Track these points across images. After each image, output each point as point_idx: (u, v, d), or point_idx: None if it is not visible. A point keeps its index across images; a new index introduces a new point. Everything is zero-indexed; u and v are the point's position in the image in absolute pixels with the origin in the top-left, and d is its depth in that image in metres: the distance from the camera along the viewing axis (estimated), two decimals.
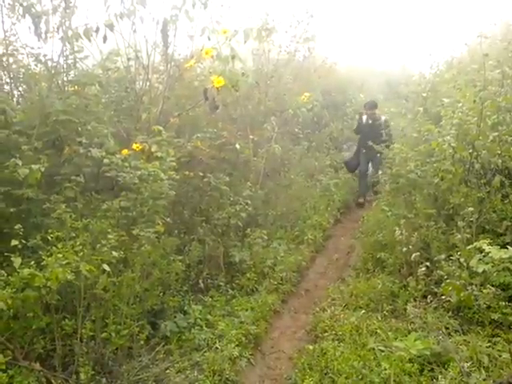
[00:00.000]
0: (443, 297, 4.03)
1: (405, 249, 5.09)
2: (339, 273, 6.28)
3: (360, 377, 3.59)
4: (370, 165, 9.32)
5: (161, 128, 4.83)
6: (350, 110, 12.53)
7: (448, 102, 6.39)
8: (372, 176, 8.99)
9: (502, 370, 3.33)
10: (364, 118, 9.26)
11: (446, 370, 3.51)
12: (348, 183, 9.64)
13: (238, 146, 6.17)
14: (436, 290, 4.37)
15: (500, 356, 3.50)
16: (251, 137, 6.85)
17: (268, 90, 8.01)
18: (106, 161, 4.12)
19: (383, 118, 9.10)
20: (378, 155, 7.87)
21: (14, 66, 5.10)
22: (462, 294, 3.77)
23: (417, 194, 6.04)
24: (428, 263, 4.47)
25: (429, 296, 4.36)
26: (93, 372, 3.42)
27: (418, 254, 4.72)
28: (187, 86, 6.42)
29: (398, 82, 14.33)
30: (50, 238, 3.48)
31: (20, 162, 3.81)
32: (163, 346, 4.09)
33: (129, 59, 5.68)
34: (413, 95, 9.96)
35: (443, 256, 4.54)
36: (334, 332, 4.47)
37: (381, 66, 18.19)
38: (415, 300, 4.56)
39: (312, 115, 9.60)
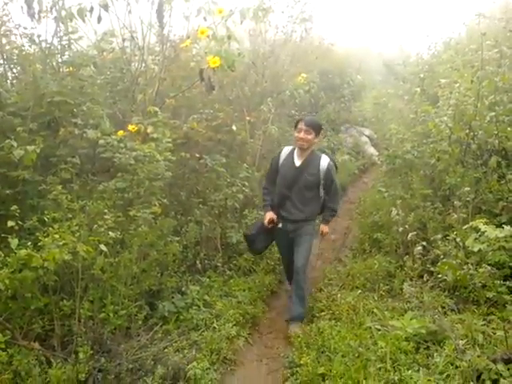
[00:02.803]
0: (439, 276, 4.05)
1: (401, 229, 5.11)
2: (336, 254, 6.32)
3: (356, 355, 3.62)
4: (295, 253, 4.71)
5: (156, 109, 4.79)
6: (348, 91, 12.47)
7: (445, 82, 6.36)
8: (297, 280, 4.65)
9: (496, 347, 3.36)
10: (287, 152, 4.75)
11: (441, 347, 3.55)
12: (345, 165, 9.62)
13: (234, 127, 6.14)
14: (432, 269, 4.39)
15: (494, 334, 3.53)
16: (248, 118, 6.81)
17: (264, 71, 7.94)
18: (101, 142, 4.09)
19: (327, 160, 4.62)
20: (308, 237, 4.65)
21: (7, 47, 5.03)
22: (457, 273, 3.79)
23: (413, 174, 6.06)
24: (424, 243, 4.49)
25: (425, 275, 4.38)
26: (91, 351, 3.43)
27: (415, 233, 4.74)
28: (183, 66, 6.34)
29: (396, 63, 14.24)
30: (46, 219, 3.48)
31: (15, 144, 3.78)
32: (161, 326, 4.12)
33: (124, 40, 5.60)
34: (410, 76, 9.91)
35: (439, 236, 4.56)
36: (330, 311, 4.52)
37: (378, 47, 18.07)
38: (411, 280, 4.60)
39: (309, 97, 9.53)
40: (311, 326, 4.30)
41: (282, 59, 8.77)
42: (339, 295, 4.79)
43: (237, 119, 6.52)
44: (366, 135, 11.98)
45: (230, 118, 6.20)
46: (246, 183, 5.88)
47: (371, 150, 11.37)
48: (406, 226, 5.04)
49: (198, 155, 5.39)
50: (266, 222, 4.70)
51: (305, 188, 4.59)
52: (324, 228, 4.88)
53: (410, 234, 4.69)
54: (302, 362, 3.70)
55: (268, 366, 4.06)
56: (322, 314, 4.51)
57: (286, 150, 4.75)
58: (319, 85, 10.52)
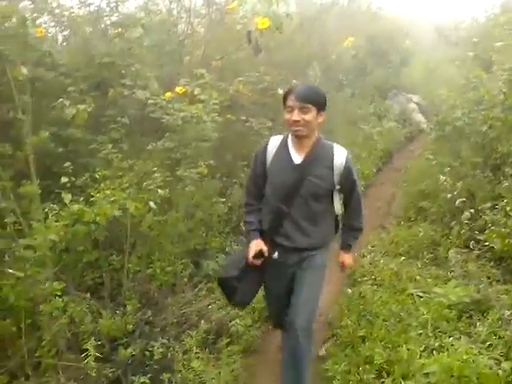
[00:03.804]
0: (486, 244, 3.97)
1: (449, 195, 5.00)
2: (380, 221, 6.25)
3: (397, 320, 3.64)
4: (294, 299, 3.00)
5: (203, 71, 4.80)
6: (396, 57, 12.11)
7: (501, 45, 6.08)
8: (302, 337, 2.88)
9: None
10: (277, 144, 2.92)
11: (484, 317, 3.51)
12: (391, 133, 9.43)
13: (280, 91, 6.08)
14: (479, 237, 4.30)
15: None
16: (293, 82, 6.73)
17: (311, 35, 7.80)
18: (150, 101, 4.15)
19: (343, 152, 2.87)
20: (318, 272, 3.04)
21: (57, 11, 5.13)
22: (506, 242, 3.71)
23: (463, 142, 5.88)
24: (472, 210, 4.39)
25: (471, 243, 4.30)
26: (139, 305, 3.58)
27: (463, 199, 4.62)
28: (229, 29, 6.31)
29: (447, 28, 13.68)
30: (97, 176, 3.60)
31: (67, 103, 3.89)
32: (205, 283, 4.23)
33: (171, 2, 5.61)
34: (462, 41, 9.52)
35: (488, 205, 4.45)
36: (372, 277, 4.51)
37: (429, 13, 17.37)
38: (458, 247, 4.52)
39: (356, 61, 9.34)
40: (353, 289, 4.32)
41: (329, 23, 8.58)
42: (382, 261, 4.77)
43: (282, 83, 6.46)
44: (413, 102, 11.65)
45: (275, 82, 6.14)
46: None
47: (419, 118, 11.07)
48: (454, 193, 4.92)
49: (243, 118, 5.38)
50: (250, 256, 2.89)
51: (311, 198, 2.82)
52: (346, 258, 3.15)
53: (457, 201, 4.58)
54: (342, 324, 3.74)
55: None
56: (364, 278, 4.51)
57: (276, 141, 2.89)
58: (366, 50, 10.28)
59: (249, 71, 5.93)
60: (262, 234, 2.96)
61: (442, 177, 5.17)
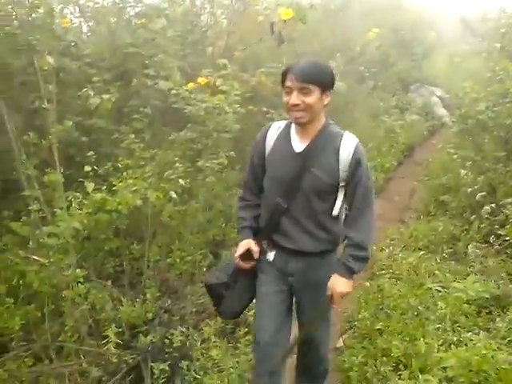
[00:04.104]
0: (507, 239, 3.93)
1: (470, 190, 4.95)
2: (399, 215, 6.22)
3: (415, 313, 3.63)
4: (305, 347, 2.67)
5: (226, 62, 4.81)
6: (419, 49, 11.96)
7: None
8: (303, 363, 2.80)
9: None
10: (279, 131, 2.48)
11: (504, 313, 3.49)
12: (413, 126, 9.33)
13: None
14: (500, 232, 4.26)
15: None
16: None
17: (334, 26, 7.74)
18: (173, 92, 4.18)
19: (352, 141, 2.33)
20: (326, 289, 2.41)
21: (82, 2, 5.19)
22: None
23: (486, 136, 5.79)
24: (493, 205, 4.34)
25: (491, 238, 4.26)
26: (158, 293, 3.64)
27: (484, 193, 4.57)
28: (252, 20, 6.30)
29: (474, 19, 13.42)
30: (119, 166, 3.65)
31: (92, 93, 3.95)
32: None
33: None
34: (489, 32, 9.35)
35: (510, 200, 4.40)
36: (391, 271, 4.50)
37: (455, 5, 17.03)
38: (477, 242, 4.49)
39: (379, 54, 9.24)
40: (371, 283, 4.32)
41: (353, 14, 8.50)
42: (400, 255, 4.76)
43: None
44: (436, 95, 11.49)
45: None
46: None
47: (441, 111, 10.92)
48: (475, 187, 4.87)
49: (265, 109, 5.38)
50: (237, 254, 2.49)
51: (314, 194, 2.34)
52: (337, 284, 2.36)
53: (478, 195, 4.53)
54: (360, 317, 3.75)
55: None
56: (382, 272, 4.51)
57: (277, 128, 2.47)
58: (390, 41, 10.17)
59: (271, 62, 5.92)
60: (258, 234, 2.51)
61: (463, 171, 5.12)
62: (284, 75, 2.27)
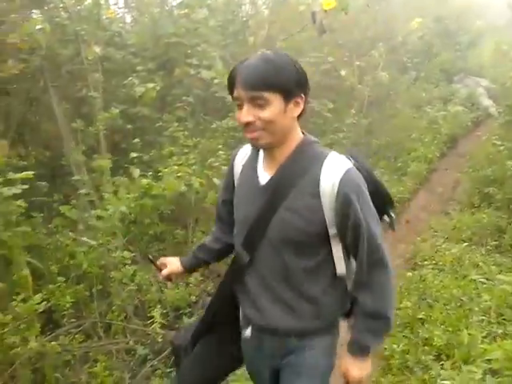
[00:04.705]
0: None
1: None
2: (442, 206, 6.12)
3: (458, 304, 3.58)
4: None
5: None
6: (464, 38, 11.67)
7: None
8: None
9: None
10: (249, 154, 1.72)
11: None
12: (457, 117, 9.12)
13: (343, 72, 6.03)
14: None
15: None
16: (357, 63, 6.64)
17: (376, 16, 7.64)
18: (215, 81, 4.23)
19: (340, 166, 1.50)
20: (317, 380, 1.69)
21: None
22: None
23: None
24: None
25: None
26: (201, 278, 3.71)
27: None
28: (293, 10, 6.29)
29: None
30: (164, 153, 3.73)
31: (136, 82, 4.04)
32: None
33: None
34: None
35: None
36: (433, 262, 4.44)
37: None
38: None
39: (422, 43, 9.07)
40: (413, 273, 4.27)
41: (396, 3, 8.37)
42: (443, 246, 4.69)
43: (346, 64, 6.39)
44: (482, 86, 11.19)
45: (338, 63, 6.09)
46: (352, 130, 5.82)
47: (487, 102, 10.61)
48: None
49: None
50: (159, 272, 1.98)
51: (286, 246, 1.58)
52: (351, 368, 1.66)
53: None
54: (401, 306, 3.72)
55: None
56: (425, 263, 4.45)
57: (244, 152, 1.76)
58: (434, 31, 9.96)
59: (312, 52, 5.91)
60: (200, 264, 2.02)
61: (509, 162, 4.98)
62: (230, 81, 1.52)
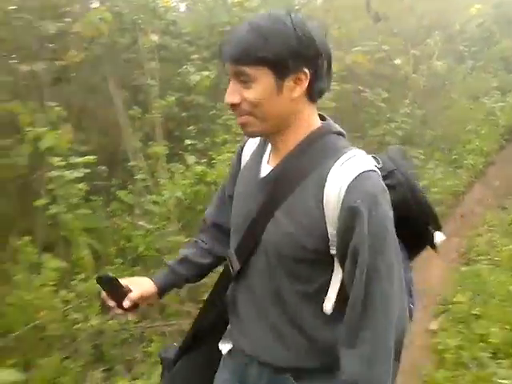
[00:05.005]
0: None
1: None
2: (499, 201, 5.91)
3: None
4: None
5: None
6: None
7: None
8: None
9: None
10: (257, 143, 1.31)
11: None
12: None
13: (397, 61, 5.90)
14: None
15: None
16: (412, 52, 6.48)
17: (433, 3, 7.43)
18: None
19: (348, 171, 1.07)
20: None
21: None
22: None
23: None
24: None
25: None
26: None
27: None
28: None
29: None
30: (217, 140, 3.77)
31: (192, 70, 4.09)
32: None
33: None
34: None
35: None
36: (489, 257, 4.32)
37: None
38: None
39: (480, 31, 8.75)
40: (467, 268, 4.17)
41: None
42: (499, 242, 4.55)
43: (400, 53, 6.25)
44: None
45: (393, 52, 5.96)
46: (406, 120, 5.69)
47: None
48: None
49: (360, 88, 5.31)
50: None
51: (280, 260, 1.15)
52: None
53: None
54: (455, 300, 3.64)
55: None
56: (480, 258, 4.33)
57: (254, 141, 1.31)
58: (493, 17, 9.57)
59: (367, 40, 5.81)
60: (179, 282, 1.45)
61: None
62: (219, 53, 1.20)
